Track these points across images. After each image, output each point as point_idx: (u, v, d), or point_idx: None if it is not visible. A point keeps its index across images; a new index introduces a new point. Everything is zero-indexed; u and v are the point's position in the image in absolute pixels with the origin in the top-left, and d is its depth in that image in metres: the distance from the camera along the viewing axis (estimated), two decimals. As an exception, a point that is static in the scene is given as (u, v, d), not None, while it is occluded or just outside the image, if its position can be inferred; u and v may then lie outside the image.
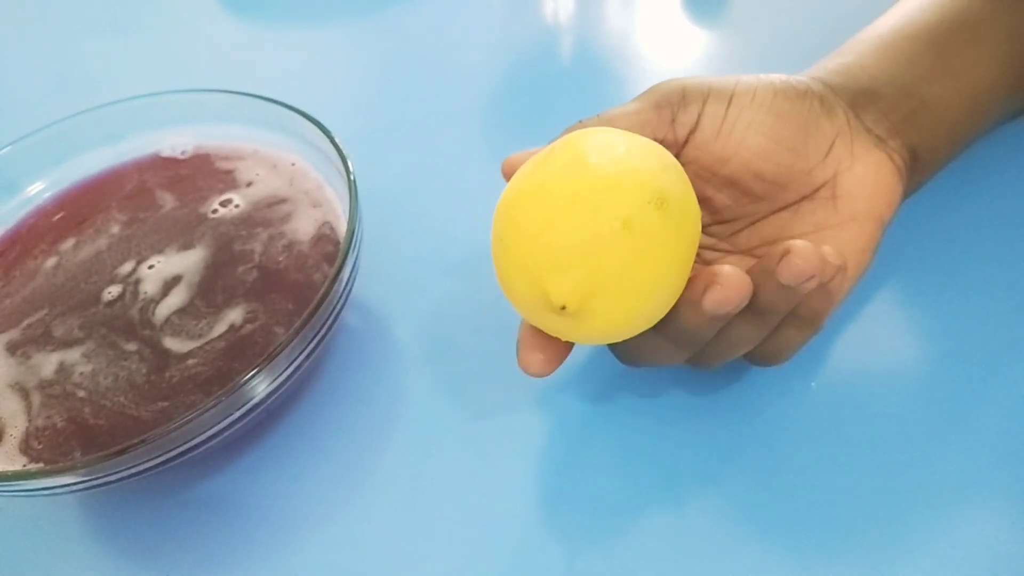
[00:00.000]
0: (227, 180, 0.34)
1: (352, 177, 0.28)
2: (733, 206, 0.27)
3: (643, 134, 0.25)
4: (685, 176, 0.22)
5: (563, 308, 0.20)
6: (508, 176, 0.26)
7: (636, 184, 0.20)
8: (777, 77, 0.26)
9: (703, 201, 0.27)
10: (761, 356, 0.25)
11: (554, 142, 0.23)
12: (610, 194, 0.20)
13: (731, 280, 0.20)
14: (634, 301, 0.21)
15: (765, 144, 0.25)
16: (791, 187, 0.26)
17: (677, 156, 0.26)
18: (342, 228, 0.30)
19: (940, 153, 0.29)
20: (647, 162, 0.21)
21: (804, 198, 0.26)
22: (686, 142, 0.26)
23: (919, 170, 0.28)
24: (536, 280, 0.20)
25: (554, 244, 0.20)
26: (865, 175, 0.26)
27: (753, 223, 0.27)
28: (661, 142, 0.26)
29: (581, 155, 0.21)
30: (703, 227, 0.28)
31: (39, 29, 0.56)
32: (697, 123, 0.26)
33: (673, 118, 0.26)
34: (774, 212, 0.27)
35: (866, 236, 0.25)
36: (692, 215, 0.22)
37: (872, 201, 0.26)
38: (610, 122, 0.25)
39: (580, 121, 0.26)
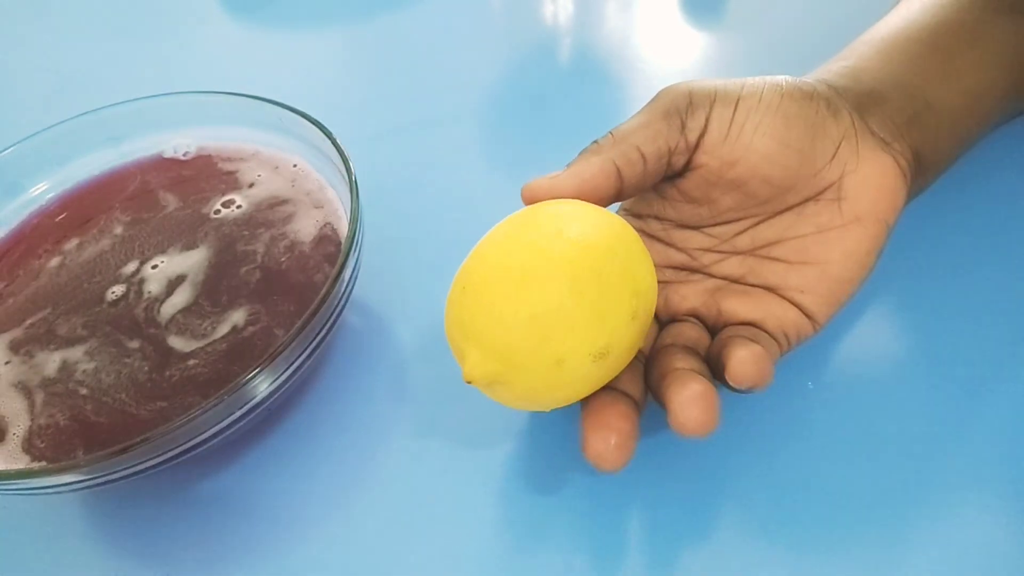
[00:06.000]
0: (229, 181, 0.34)
1: (353, 178, 0.28)
2: (737, 208, 0.27)
3: (656, 144, 0.25)
4: (632, 244, 0.23)
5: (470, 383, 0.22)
6: (528, 201, 0.25)
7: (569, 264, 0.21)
8: (783, 79, 0.26)
9: (709, 203, 0.27)
10: None
11: (522, 212, 0.24)
12: (539, 276, 0.21)
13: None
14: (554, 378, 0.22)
15: (773, 146, 0.25)
16: (796, 189, 0.26)
17: (687, 162, 0.26)
18: (343, 229, 0.31)
19: (943, 155, 0.29)
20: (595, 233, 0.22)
21: (808, 200, 0.26)
22: (696, 147, 0.26)
23: (923, 173, 0.28)
24: (459, 347, 0.23)
25: (490, 319, 0.21)
26: (871, 178, 0.26)
27: (756, 224, 0.27)
28: (673, 150, 0.26)
29: (527, 233, 0.22)
30: (706, 227, 0.28)
31: (42, 31, 0.56)
32: (705, 127, 0.25)
33: (683, 124, 0.25)
34: (778, 214, 0.27)
35: (870, 238, 0.26)
36: (633, 288, 0.22)
37: (877, 204, 0.26)
38: (624, 137, 0.25)
39: (595, 141, 0.26)
